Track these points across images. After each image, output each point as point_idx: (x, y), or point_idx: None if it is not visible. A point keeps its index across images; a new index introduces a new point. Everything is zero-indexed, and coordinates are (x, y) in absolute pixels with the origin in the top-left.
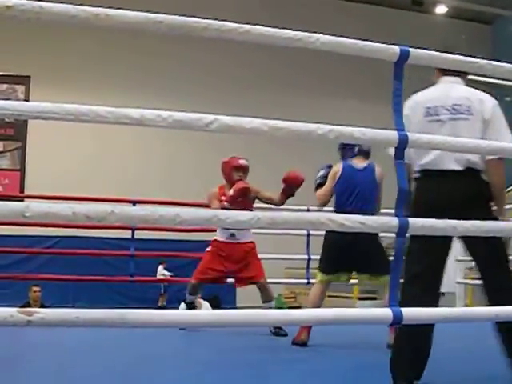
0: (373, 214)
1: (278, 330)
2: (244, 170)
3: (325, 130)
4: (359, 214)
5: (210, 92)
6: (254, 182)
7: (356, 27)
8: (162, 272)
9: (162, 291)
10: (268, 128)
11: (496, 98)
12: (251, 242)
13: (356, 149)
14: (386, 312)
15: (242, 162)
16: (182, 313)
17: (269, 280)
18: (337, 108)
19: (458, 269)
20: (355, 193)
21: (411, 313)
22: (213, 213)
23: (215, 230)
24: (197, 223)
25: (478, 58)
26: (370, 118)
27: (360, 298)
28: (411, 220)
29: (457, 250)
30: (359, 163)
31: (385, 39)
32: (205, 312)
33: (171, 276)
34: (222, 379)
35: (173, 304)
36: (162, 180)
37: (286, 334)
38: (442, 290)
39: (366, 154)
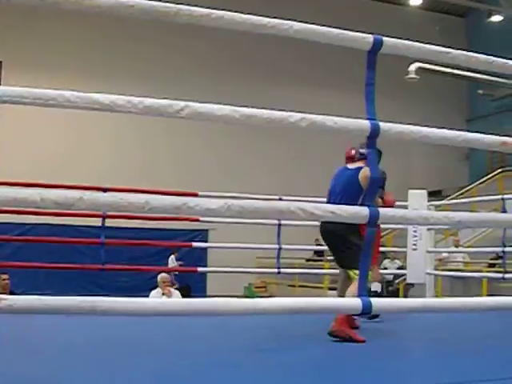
0: None
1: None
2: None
3: (296, 118)
4: None
5: (188, 79)
6: (247, 172)
7: (329, 17)
8: (173, 262)
9: (174, 281)
10: (239, 115)
11: (469, 91)
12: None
13: (357, 154)
14: (356, 302)
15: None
16: (150, 301)
17: (239, 269)
18: (319, 97)
19: (428, 260)
20: (333, 190)
21: (380, 303)
22: (182, 200)
23: (190, 219)
24: (166, 211)
25: (452, 49)
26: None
27: (331, 288)
28: (382, 210)
29: (427, 241)
30: (354, 164)
31: (359, 30)
32: (173, 300)
33: (180, 265)
34: (185, 366)
35: None
36: (138, 168)
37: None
38: (413, 281)
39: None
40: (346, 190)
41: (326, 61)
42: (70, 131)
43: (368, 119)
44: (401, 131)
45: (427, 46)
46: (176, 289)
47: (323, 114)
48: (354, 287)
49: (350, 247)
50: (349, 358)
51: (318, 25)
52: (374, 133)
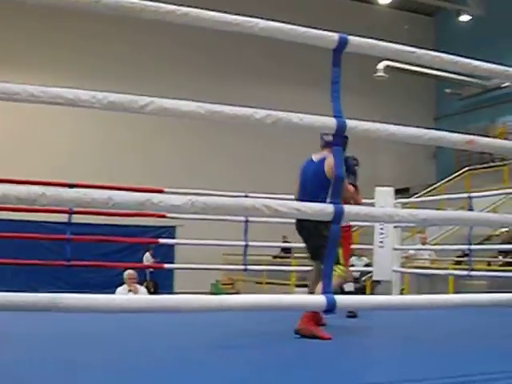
0: None
1: (352, 314)
2: None
3: (262, 115)
4: None
5: (150, 76)
6: (214, 169)
7: (298, 16)
8: (148, 259)
9: (148, 278)
10: (204, 111)
11: (437, 90)
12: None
13: (322, 141)
14: (320, 299)
15: None
16: (116, 297)
17: (206, 266)
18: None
19: (394, 257)
20: (303, 184)
21: (344, 300)
22: (146, 196)
23: (156, 216)
24: (130, 207)
25: (420, 48)
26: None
27: (298, 285)
28: (346, 207)
29: (394, 238)
30: (319, 155)
31: (329, 29)
32: (139, 297)
33: (155, 262)
34: (150, 363)
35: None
36: (99, 163)
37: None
38: (379, 278)
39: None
40: (313, 183)
41: (296, 58)
42: (24, 123)
43: (334, 117)
44: (367, 129)
45: (392, 45)
46: (150, 285)
47: (293, 112)
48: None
49: (324, 240)
50: (314, 355)
51: (286, 23)
52: (340, 130)
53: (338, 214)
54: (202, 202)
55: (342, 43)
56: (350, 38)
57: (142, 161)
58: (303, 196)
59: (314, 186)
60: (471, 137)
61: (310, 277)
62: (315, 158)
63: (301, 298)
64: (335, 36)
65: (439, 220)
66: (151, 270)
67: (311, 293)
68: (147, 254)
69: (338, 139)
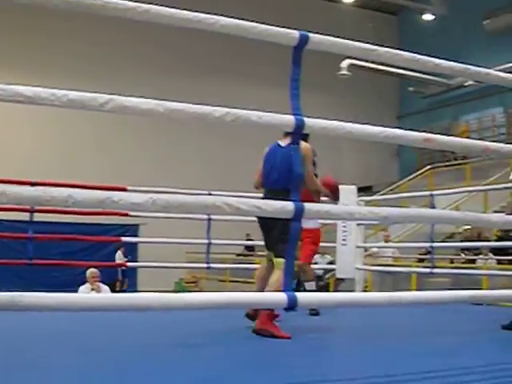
0: (287, 191)
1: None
2: None
3: (221, 113)
4: (272, 191)
5: (113, 73)
6: (182, 167)
7: (262, 13)
8: (120, 257)
9: (121, 277)
10: (164, 109)
11: (401, 88)
12: (312, 230)
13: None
14: (281, 296)
15: None
16: (76, 296)
17: (170, 264)
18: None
19: (357, 255)
20: (270, 170)
21: (305, 298)
22: (106, 195)
23: (119, 214)
24: (90, 205)
25: (384, 47)
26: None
27: None
28: (307, 205)
29: (357, 236)
30: (285, 141)
31: (294, 27)
32: (101, 295)
33: (126, 261)
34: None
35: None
36: (60, 161)
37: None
38: (342, 275)
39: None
40: (283, 167)
41: (260, 56)
42: None
43: (293, 114)
44: (325, 127)
45: (353, 42)
46: (105, 283)
47: (259, 110)
48: (276, 276)
49: (283, 234)
50: (273, 353)
51: (252, 21)
52: (299, 128)
53: (299, 212)
54: (162, 200)
55: (303, 41)
56: (311, 35)
57: (105, 159)
58: (270, 182)
59: (283, 169)
60: (428, 135)
61: (259, 273)
62: (282, 143)
63: (261, 295)
64: (296, 33)
65: (400, 217)
66: (123, 268)
67: (261, 288)
68: (119, 253)
69: (297, 137)
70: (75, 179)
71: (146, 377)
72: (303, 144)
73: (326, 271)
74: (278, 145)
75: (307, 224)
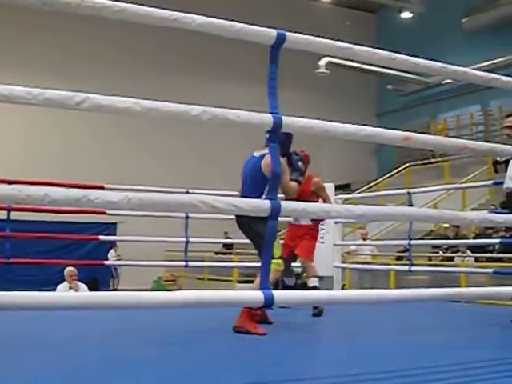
0: None
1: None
2: None
3: (198, 112)
4: None
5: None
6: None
7: (239, 13)
8: (113, 256)
9: (114, 274)
10: (140, 108)
11: (380, 86)
12: (310, 226)
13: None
14: (258, 295)
15: None
16: (53, 295)
17: (149, 262)
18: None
19: (335, 253)
20: (243, 180)
21: (282, 295)
22: (82, 193)
23: (97, 212)
24: (66, 203)
25: (362, 45)
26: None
27: (240, 281)
28: (283, 203)
29: (334, 234)
30: (261, 151)
31: (272, 26)
32: (78, 294)
33: (119, 259)
34: (87, 361)
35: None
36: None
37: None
38: (321, 273)
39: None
40: (251, 178)
41: (239, 55)
42: None
43: (271, 113)
44: (303, 125)
45: (330, 41)
46: (82, 282)
47: (237, 109)
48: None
49: (258, 236)
50: (252, 350)
51: (226, 18)
52: (277, 127)
53: (275, 210)
54: (138, 198)
55: (280, 39)
56: (288, 34)
57: (101, 158)
58: (243, 192)
59: (251, 181)
60: (407, 133)
61: None
62: (256, 153)
63: (239, 293)
64: (273, 32)
65: (376, 216)
66: (115, 267)
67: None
68: (111, 251)
69: (275, 136)
70: (71, 179)
71: (121, 375)
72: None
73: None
74: (253, 156)
75: (305, 220)
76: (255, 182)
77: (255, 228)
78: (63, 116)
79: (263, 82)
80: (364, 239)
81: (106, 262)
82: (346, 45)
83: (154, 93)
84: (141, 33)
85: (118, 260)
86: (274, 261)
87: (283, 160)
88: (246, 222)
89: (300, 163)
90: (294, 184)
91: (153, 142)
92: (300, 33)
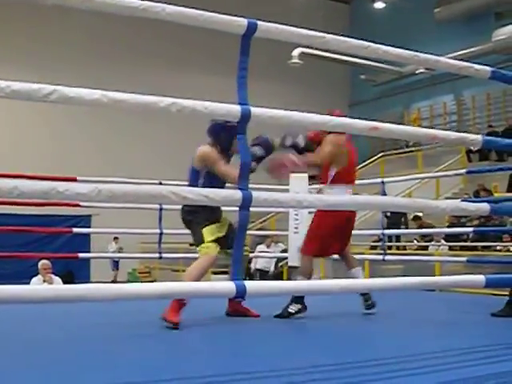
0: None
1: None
2: None
3: (167, 103)
4: None
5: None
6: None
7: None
8: (113, 247)
9: (115, 267)
10: (108, 100)
11: (352, 76)
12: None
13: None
14: (229, 285)
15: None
16: (26, 288)
17: (121, 255)
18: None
19: None
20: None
21: (254, 286)
22: (51, 185)
23: (70, 205)
24: (36, 195)
25: (335, 35)
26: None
27: (214, 272)
28: (255, 193)
29: (308, 224)
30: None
31: (244, 15)
32: (52, 287)
33: (119, 251)
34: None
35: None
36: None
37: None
38: (295, 263)
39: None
40: (192, 177)
41: (209, 45)
42: None
43: (239, 104)
44: (272, 116)
45: (300, 30)
46: (57, 275)
47: (208, 100)
48: (196, 263)
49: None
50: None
51: (197, 8)
52: (245, 117)
53: (247, 200)
54: (108, 189)
55: (251, 29)
56: (260, 23)
57: (52, 149)
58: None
59: (191, 176)
60: (375, 123)
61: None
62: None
63: (209, 284)
64: (244, 21)
65: (348, 205)
66: (116, 259)
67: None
68: (112, 243)
69: (243, 127)
70: (24, 170)
71: (95, 368)
72: (203, 149)
73: (280, 259)
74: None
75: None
76: (190, 176)
77: (194, 228)
78: (47, 107)
79: (213, 73)
80: None
81: (80, 255)
82: (319, 34)
83: (130, 82)
84: (116, 21)
85: (120, 252)
86: (203, 245)
87: (213, 149)
88: (187, 220)
89: (259, 152)
90: (229, 170)
91: (151, 135)
92: (273, 22)
